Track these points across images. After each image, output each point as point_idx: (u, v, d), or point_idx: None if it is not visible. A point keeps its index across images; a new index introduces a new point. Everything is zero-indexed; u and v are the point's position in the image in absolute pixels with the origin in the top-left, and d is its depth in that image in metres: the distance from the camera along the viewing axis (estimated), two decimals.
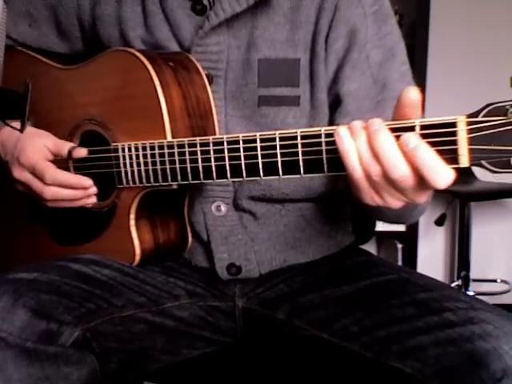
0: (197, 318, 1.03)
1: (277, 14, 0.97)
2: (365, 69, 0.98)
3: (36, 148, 1.00)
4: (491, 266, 3.09)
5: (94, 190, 0.99)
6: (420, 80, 2.85)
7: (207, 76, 0.98)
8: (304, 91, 0.99)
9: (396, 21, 1.03)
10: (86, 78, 1.02)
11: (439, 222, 2.90)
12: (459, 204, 2.93)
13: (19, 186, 1.03)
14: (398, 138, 0.71)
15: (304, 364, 0.99)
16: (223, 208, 1.02)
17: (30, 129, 1.00)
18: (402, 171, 0.70)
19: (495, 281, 3.07)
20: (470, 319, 0.80)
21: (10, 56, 1.07)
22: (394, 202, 0.75)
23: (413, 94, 0.71)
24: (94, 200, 1.00)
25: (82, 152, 1.00)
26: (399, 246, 2.99)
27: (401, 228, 2.95)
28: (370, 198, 0.76)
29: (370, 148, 0.71)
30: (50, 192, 0.98)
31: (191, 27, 0.99)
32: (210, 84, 0.98)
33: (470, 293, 2.81)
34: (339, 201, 1.08)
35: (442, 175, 0.68)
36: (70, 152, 1.00)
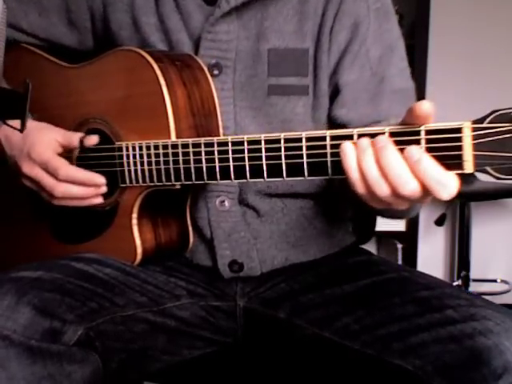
0: (198, 318, 1.03)
1: (286, 6, 0.99)
2: (364, 62, 1.00)
3: (47, 142, 0.98)
4: (491, 266, 3.08)
5: (104, 188, 0.98)
6: (420, 80, 2.86)
7: (216, 65, 0.99)
8: (311, 81, 1.00)
9: (396, 19, 1.05)
10: (91, 76, 1.02)
11: (439, 222, 2.90)
12: (459, 204, 2.92)
13: (26, 182, 1.01)
14: (402, 150, 0.71)
15: (305, 363, 0.99)
16: (227, 203, 1.02)
17: (36, 123, 1.00)
18: (411, 187, 0.70)
19: (495, 281, 3.06)
20: (471, 316, 0.81)
21: (15, 54, 1.07)
22: (399, 205, 0.75)
23: (426, 106, 0.70)
24: (100, 200, 1.00)
25: (93, 139, 0.99)
26: (399, 245, 2.99)
27: (401, 228, 2.95)
28: (374, 204, 0.76)
29: (377, 166, 0.72)
30: (62, 188, 0.97)
31: (202, 17, 1.00)
32: (219, 74, 0.99)
33: None
34: (340, 200, 1.08)
35: (446, 187, 0.68)
36: (81, 141, 0.99)
